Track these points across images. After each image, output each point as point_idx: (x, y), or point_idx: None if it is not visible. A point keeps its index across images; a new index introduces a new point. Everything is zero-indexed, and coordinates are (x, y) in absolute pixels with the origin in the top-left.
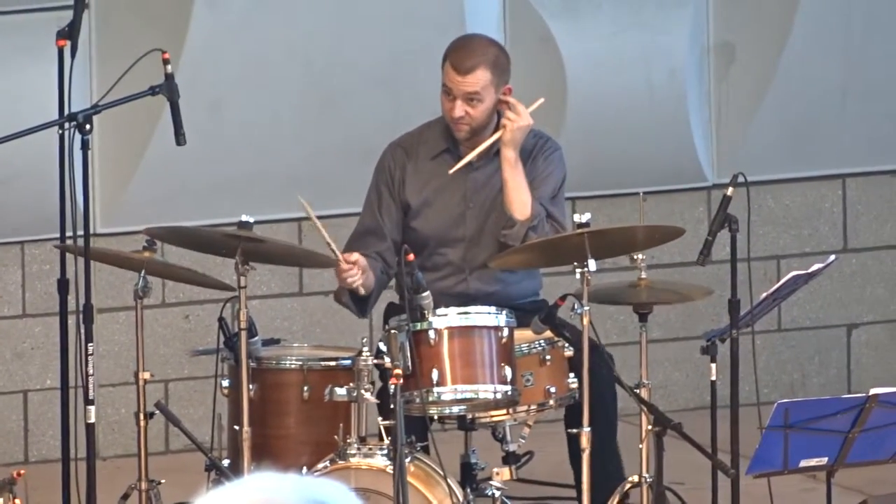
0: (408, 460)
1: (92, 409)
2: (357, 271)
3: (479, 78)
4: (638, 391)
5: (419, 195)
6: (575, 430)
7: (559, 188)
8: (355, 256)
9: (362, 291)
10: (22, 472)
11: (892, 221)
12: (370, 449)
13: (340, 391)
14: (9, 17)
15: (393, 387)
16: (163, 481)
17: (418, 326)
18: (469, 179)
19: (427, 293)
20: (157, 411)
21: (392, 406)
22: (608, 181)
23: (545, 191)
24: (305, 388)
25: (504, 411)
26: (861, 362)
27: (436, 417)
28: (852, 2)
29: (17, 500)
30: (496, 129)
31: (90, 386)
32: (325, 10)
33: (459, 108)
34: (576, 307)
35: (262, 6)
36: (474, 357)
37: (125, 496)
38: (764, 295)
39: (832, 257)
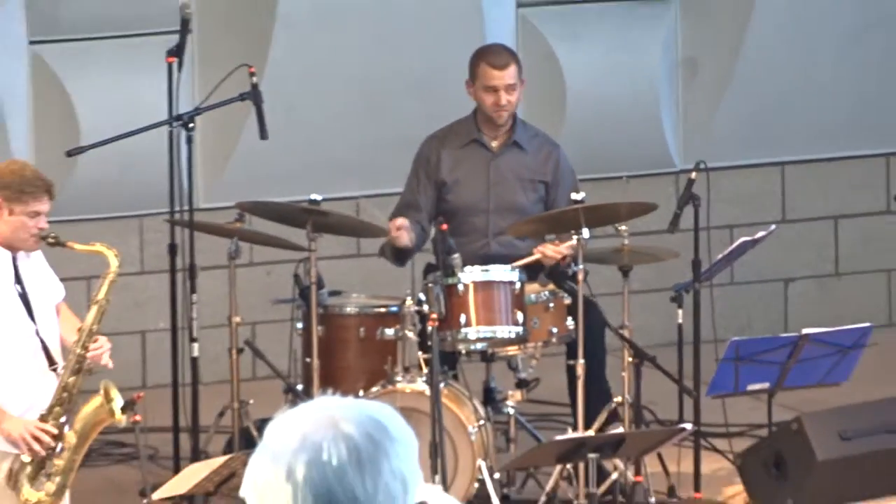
0: (442, 385)
1: (195, 345)
2: (403, 232)
3: (513, 71)
4: (621, 331)
5: (452, 175)
6: (572, 362)
7: (575, 182)
8: (400, 221)
9: (408, 245)
10: (141, 395)
11: (821, 199)
12: (412, 377)
13: (389, 331)
14: (129, 39)
15: (430, 328)
16: (251, 402)
17: (449, 281)
18: (492, 165)
19: (457, 255)
20: (247, 347)
21: (429, 343)
22: (598, 167)
23: (568, 187)
24: (361, 329)
25: (517, 347)
26: (795, 309)
27: (463, 352)
28: (795, 21)
29: (137, 416)
30: (514, 124)
31: (194, 327)
32: (372, 33)
33: (504, 98)
34: (573, 266)
35: (326, 30)
36: (493, 305)
37: (221, 413)
38: (719, 256)
39: (773, 227)
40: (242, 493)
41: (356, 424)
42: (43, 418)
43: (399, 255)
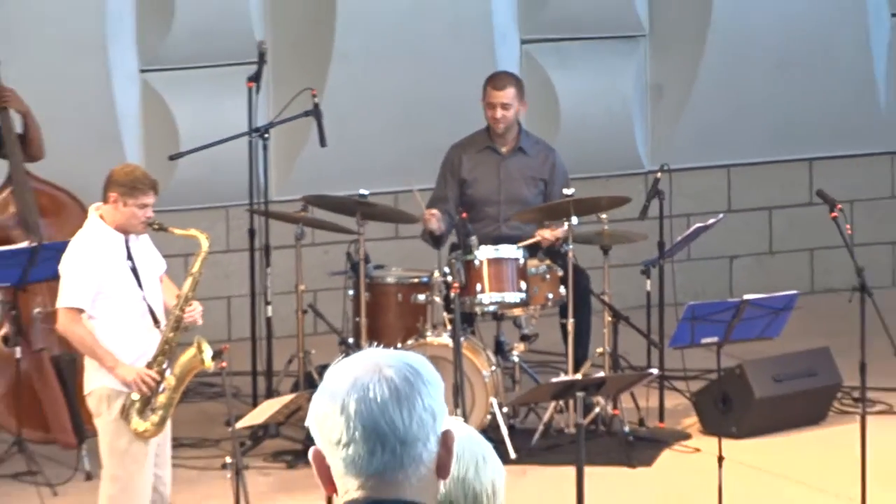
0: (462, 339)
1: (269, 307)
2: (433, 218)
3: (510, 92)
4: (602, 297)
5: (471, 174)
6: (564, 321)
7: (567, 180)
8: (434, 210)
9: (437, 232)
10: (227, 346)
11: (758, 194)
12: (439, 332)
13: (421, 297)
14: (219, 69)
15: (453, 294)
16: (313, 351)
17: (468, 257)
18: (502, 166)
19: (474, 237)
20: (310, 309)
21: (452, 306)
22: (585, 168)
23: (561, 184)
24: (399, 295)
25: (521, 309)
26: (738, 279)
27: (479, 313)
28: (737, 54)
29: (224, 363)
30: (519, 134)
31: (268, 294)
32: (408, 63)
33: (499, 112)
34: (565, 246)
35: (372, 61)
36: (502, 276)
37: (289, 361)
38: (678, 239)
39: (721, 216)
40: (306, 423)
41: (395, 370)
42: (149, 365)
43: (435, 240)
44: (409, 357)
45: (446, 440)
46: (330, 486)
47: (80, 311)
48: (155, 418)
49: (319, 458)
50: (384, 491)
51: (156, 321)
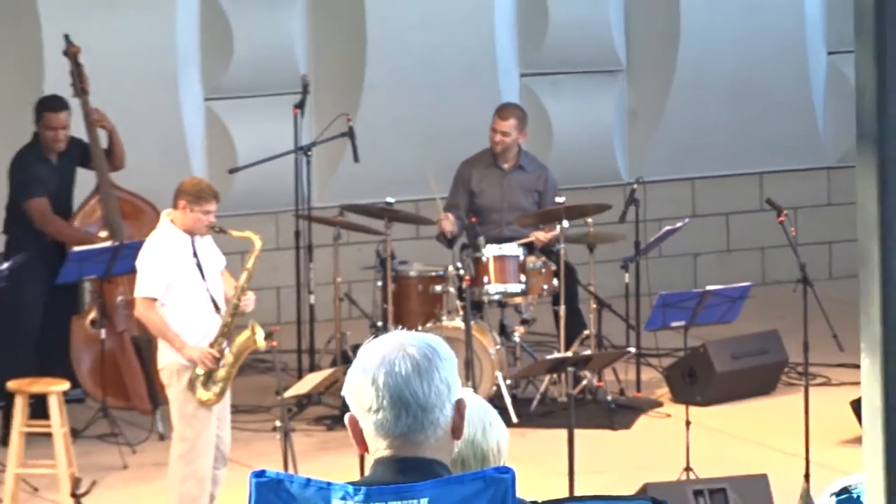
0: (472, 322)
1: (312, 296)
2: (446, 222)
3: (511, 122)
4: (589, 287)
5: (479, 186)
6: (557, 307)
7: (557, 190)
8: (448, 214)
9: (450, 235)
10: (276, 329)
11: (718, 201)
12: (453, 317)
13: (438, 288)
14: (269, 98)
15: (464, 286)
16: (348, 333)
17: (477, 254)
18: (505, 180)
19: (481, 237)
20: (345, 297)
21: (464, 295)
22: (572, 180)
23: (553, 194)
24: (420, 286)
25: (521, 297)
26: (701, 273)
27: (486, 301)
28: (698, 86)
29: (274, 343)
30: (519, 153)
31: (311, 284)
32: (427, 92)
33: (498, 136)
34: (557, 245)
35: (397, 90)
36: (505, 270)
37: (328, 341)
38: (651, 239)
39: (687, 220)
40: (343, 392)
41: (417, 348)
42: (211, 345)
43: (448, 241)
44: (429, 337)
45: (459, 407)
46: (363, 445)
47: (154, 299)
48: (216, 389)
49: (354, 422)
50: (408, 450)
51: (216, 308)
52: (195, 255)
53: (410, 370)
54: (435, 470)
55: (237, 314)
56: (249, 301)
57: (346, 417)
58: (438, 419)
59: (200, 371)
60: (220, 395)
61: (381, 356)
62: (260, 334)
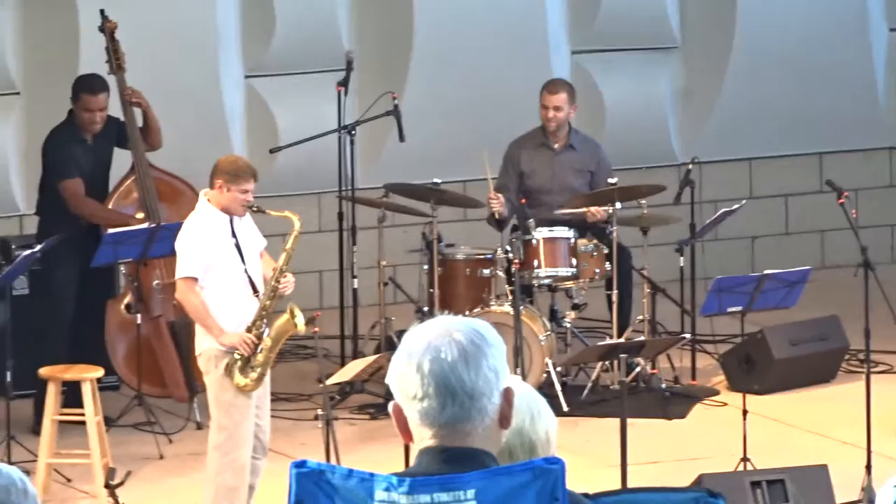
0: (522, 307)
1: (355, 280)
2: (498, 203)
3: (561, 97)
4: (642, 271)
5: (529, 167)
6: (609, 292)
7: (610, 170)
8: (497, 194)
9: (500, 215)
10: (318, 314)
11: (775, 182)
12: (502, 301)
13: (486, 271)
14: (312, 75)
15: (514, 269)
16: (392, 318)
17: (526, 237)
18: (555, 160)
19: (531, 220)
20: (390, 282)
21: (513, 279)
22: (625, 161)
23: (606, 174)
24: (467, 269)
25: (572, 282)
26: (759, 256)
27: (536, 285)
28: (755, 61)
29: (316, 328)
30: (570, 132)
31: (354, 268)
32: (476, 69)
33: (550, 113)
34: (610, 227)
35: (444, 67)
36: (556, 253)
37: (372, 326)
38: (707, 221)
39: (743, 201)
40: (387, 380)
41: (464, 334)
42: (248, 329)
43: (498, 223)
44: (476, 323)
45: (507, 395)
46: (407, 435)
47: (195, 280)
48: (254, 374)
49: (398, 410)
50: (454, 439)
51: (255, 290)
52: (234, 235)
53: (457, 357)
54: (482, 460)
55: (276, 297)
56: (289, 284)
57: (391, 406)
58: (486, 408)
59: (237, 356)
60: (259, 380)
61: (426, 342)
62: (299, 317)
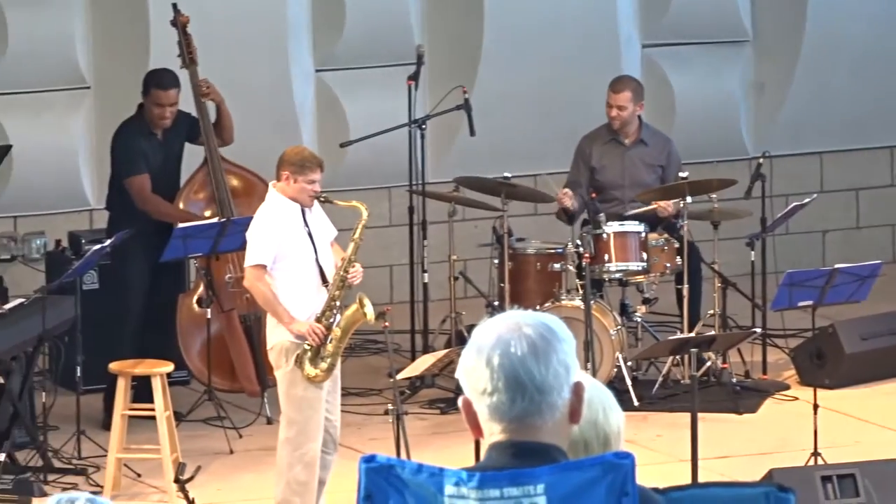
0: (592, 301)
1: (426, 274)
2: (568, 199)
3: (625, 95)
4: (713, 265)
5: (599, 162)
6: (680, 286)
7: (681, 165)
8: (567, 190)
9: (571, 209)
10: (389, 308)
11: (846, 176)
12: (572, 296)
13: (556, 266)
14: (383, 69)
15: (585, 263)
16: (463, 313)
17: (597, 231)
18: (626, 155)
19: (602, 214)
20: (460, 276)
21: (584, 273)
22: (696, 155)
23: (676, 168)
24: (538, 264)
25: (642, 276)
26: (830, 251)
27: (606, 279)
28: (825, 54)
29: (386, 323)
30: (640, 127)
31: (425, 262)
32: (546, 64)
33: (614, 111)
34: (680, 221)
35: (515, 62)
36: (627, 247)
37: (443, 321)
38: (778, 215)
39: (815, 195)
40: (456, 375)
41: (534, 328)
42: (318, 319)
43: (569, 218)
44: (546, 317)
45: (578, 390)
46: (477, 430)
47: (264, 267)
48: (324, 365)
49: (468, 405)
50: (523, 434)
51: (324, 280)
52: (306, 224)
53: (527, 351)
54: (552, 455)
55: (345, 287)
56: (357, 273)
57: (460, 400)
58: (556, 402)
59: (307, 347)
60: (328, 371)
61: (496, 336)
62: (369, 307)
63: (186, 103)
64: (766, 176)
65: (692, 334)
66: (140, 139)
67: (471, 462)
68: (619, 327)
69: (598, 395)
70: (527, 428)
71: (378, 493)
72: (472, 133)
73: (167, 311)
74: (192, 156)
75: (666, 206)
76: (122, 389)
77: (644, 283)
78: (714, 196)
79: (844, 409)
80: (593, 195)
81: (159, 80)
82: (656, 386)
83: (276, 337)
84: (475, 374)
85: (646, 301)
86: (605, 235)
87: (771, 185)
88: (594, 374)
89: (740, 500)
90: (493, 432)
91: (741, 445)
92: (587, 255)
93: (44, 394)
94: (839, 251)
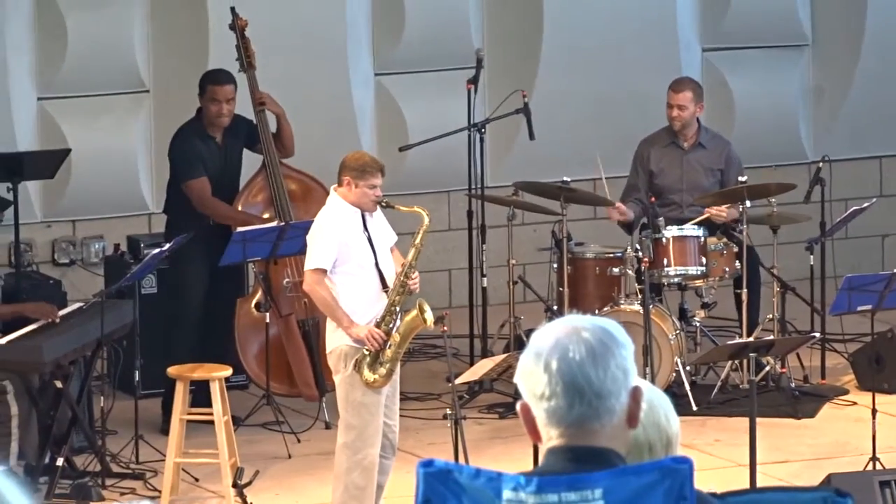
0: (651, 306)
1: (485, 279)
2: (617, 214)
3: (686, 95)
4: (772, 270)
5: (658, 166)
6: (739, 291)
7: (741, 168)
8: (619, 204)
9: (625, 221)
10: (447, 313)
11: None
12: (631, 300)
13: (615, 270)
14: (442, 73)
15: (643, 268)
16: (522, 317)
17: (656, 236)
18: (685, 159)
19: (661, 218)
20: (520, 280)
21: (643, 278)
22: (755, 159)
23: (736, 172)
24: (597, 268)
25: (701, 280)
26: (889, 255)
27: (665, 284)
28: (883, 58)
29: (445, 327)
30: (699, 130)
31: (484, 267)
32: (606, 69)
33: (675, 111)
34: (739, 226)
35: (574, 66)
36: (686, 252)
37: (502, 325)
38: (838, 220)
39: (874, 199)
40: (515, 379)
41: (592, 333)
42: (378, 325)
43: (627, 226)
44: (605, 322)
45: (636, 395)
46: (535, 434)
47: (324, 271)
48: (383, 370)
49: (526, 410)
50: (581, 439)
51: (384, 285)
52: (366, 229)
53: (585, 356)
54: (610, 459)
55: (405, 293)
56: (416, 281)
57: (519, 405)
58: (614, 407)
59: (367, 352)
60: (387, 376)
61: (554, 341)
62: (428, 313)
63: (245, 109)
64: (826, 180)
65: (751, 339)
66: (198, 142)
67: (529, 467)
68: (677, 332)
69: (658, 399)
70: (585, 432)
71: (436, 497)
72: (532, 137)
73: (225, 315)
74: (252, 163)
75: (719, 213)
76: (180, 394)
77: (703, 288)
78: (773, 200)
79: None
80: (652, 199)
81: (215, 77)
82: (715, 391)
83: (336, 341)
84: (533, 378)
85: (704, 305)
86: (664, 240)
87: (830, 190)
88: (653, 379)
89: None
90: (551, 437)
91: (799, 450)
92: (646, 259)
93: (102, 398)
94: None
